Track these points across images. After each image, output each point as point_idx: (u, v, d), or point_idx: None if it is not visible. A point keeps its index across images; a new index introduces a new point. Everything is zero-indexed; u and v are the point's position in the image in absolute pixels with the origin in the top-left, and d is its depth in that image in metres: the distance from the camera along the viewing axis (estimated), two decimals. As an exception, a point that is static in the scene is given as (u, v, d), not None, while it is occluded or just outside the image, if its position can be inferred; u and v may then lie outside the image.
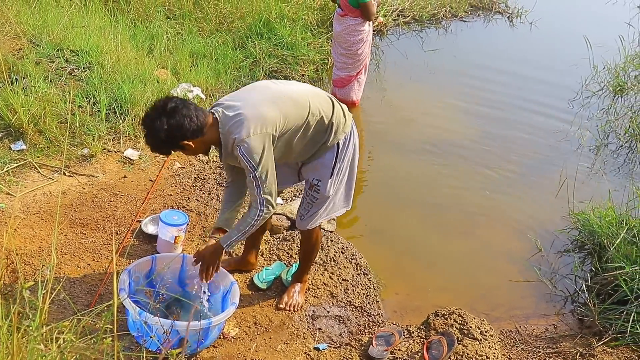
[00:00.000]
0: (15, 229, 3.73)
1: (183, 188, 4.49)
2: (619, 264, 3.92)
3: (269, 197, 3.04)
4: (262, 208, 3.04)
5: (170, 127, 2.84)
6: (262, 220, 3.09)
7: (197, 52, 6.25)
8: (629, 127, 5.99)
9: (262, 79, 6.15)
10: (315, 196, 3.33)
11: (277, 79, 6.32)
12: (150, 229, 3.94)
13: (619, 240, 4.06)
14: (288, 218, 4.29)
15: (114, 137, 4.82)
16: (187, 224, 3.82)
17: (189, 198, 4.37)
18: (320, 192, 3.31)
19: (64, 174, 4.37)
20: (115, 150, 4.72)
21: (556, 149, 5.78)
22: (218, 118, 2.95)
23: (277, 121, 2.96)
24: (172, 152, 3.07)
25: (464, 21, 9.03)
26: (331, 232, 4.30)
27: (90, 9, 6.35)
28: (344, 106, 3.34)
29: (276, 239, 4.17)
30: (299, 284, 3.70)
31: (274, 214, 4.23)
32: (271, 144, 2.96)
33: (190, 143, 2.92)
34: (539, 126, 6.17)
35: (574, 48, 7.79)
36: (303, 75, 6.54)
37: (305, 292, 3.73)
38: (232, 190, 3.33)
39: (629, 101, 6.60)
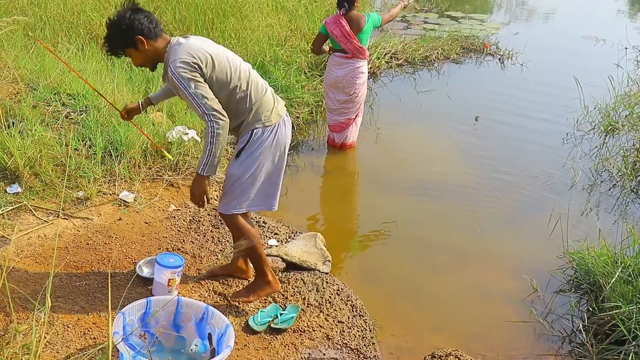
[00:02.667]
0: (9, 272, 3.71)
1: (178, 230, 4.49)
2: (616, 304, 3.91)
3: (214, 110, 3.23)
4: (212, 120, 3.23)
5: (133, 18, 3.21)
6: (219, 132, 3.24)
7: (193, 94, 6.30)
8: (621, 166, 6.04)
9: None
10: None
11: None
12: (145, 271, 3.92)
13: (614, 279, 4.06)
14: (283, 260, 4.28)
15: (109, 180, 4.83)
16: (182, 267, 3.81)
17: (184, 240, 4.37)
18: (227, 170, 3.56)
19: (59, 216, 4.37)
20: (110, 192, 4.73)
21: (549, 188, 5.81)
22: (171, 42, 3.31)
23: (207, 58, 3.25)
24: (123, 50, 3.31)
25: (456, 63, 9.18)
26: (326, 273, 4.29)
27: (87, 53, 6.43)
28: (280, 104, 3.57)
29: (271, 280, 4.15)
30: (257, 281, 3.84)
31: (270, 255, 4.26)
32: (199, 73, 3.22)
33: (144, 41, 3.24)
34: (531, 166, 6.21)
35: (564, 88, 7.92)
36: (297, 117, 6.61)
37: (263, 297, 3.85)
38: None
39: (620, 140, 6.67)
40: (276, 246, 4.48)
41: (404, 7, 6.49)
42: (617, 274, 4.08)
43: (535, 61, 9.23)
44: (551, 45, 10.47)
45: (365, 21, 5.80)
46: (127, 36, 3.24)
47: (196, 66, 3.21)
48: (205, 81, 3.25)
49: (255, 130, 3.43)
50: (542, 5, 13.58)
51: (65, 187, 4.58)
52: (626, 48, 9.85)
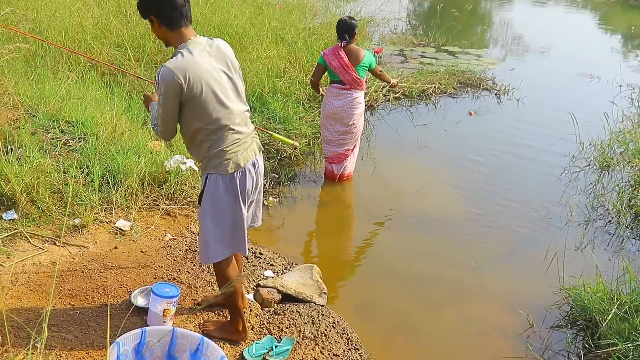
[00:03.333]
0: (4, 300, 3.68)
1: (174, 260, 4.47)
2: (612, 341, 3.90)
3: (162, 130, 3.31)
4: (156, 130, 3.37)
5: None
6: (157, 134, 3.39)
7: (191, 124, 6.33)
8: (617, 202, 6.07)
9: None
10: None
11: (269, 152, 6.41)
12: (140, 301, 3.89)
13: (610, 316, 4.06)
14: (279, 291, 4.27)
15: (106, 208, 4.82)
16: (178, 297, 3.78)
17: (179, 270, 4.35)
18: None
19: (55, 244, 4.35)
20: (107, 221, 4.72)
21: (546, 223, 5.82)
22: (185, 43, 3.29)
23: (195, 85, 3.19)
24: (147, 18, 3.31)
25: (453, 97, 9.26)
26: (322, 305, 4.27)
27: (87, 81, 6.47)
28: (248, 153, 3.40)
29: (267, 312, 4.13)
30: (230, 324, 3.76)
31: (266, 287, 4.25)
32: (178, 92, 3.18)
33: (156, 22, 3.28)
34: (527, 201, 6.24)
35: (560, 124, 8.00)
36: (295, 148, 6.63)
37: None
38: None
39: (616, 177, 6.71)
40: (272, 277, 4.47)
41: (392, 85, 6.64)
42: (614, 311, 4.08)
43: (531, 97, 9.31)
44: (547, 82, 10.58)
45: (364, 56, 5.89)
46: (145, 10, 3.31)
47: (177, 84, 3.17)
48: (180, 100, 3.23)
49: (209, 176, 3.36)
50: (538, 41, 13.75)
51: (62, 214, 4.56)
52: (620, 85, 9.98)
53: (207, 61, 3.28)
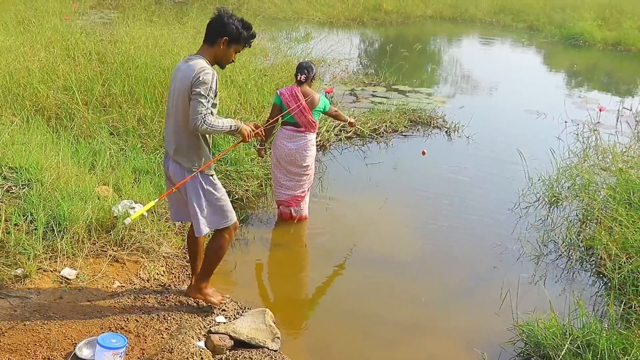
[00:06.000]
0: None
1: (122, 308, 4.32)
2: (566, 377, 3.91)
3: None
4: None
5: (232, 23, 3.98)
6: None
7: (140, 168, 6.24)
8: (566, 236, 6.16)
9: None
10: None
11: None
12: (85, 353, 3.74)
13: (564, 352, 4.07)
14: (231, 337, 4.16)
15: (50, 256, 4.67)
16: (126, 347, 3.66)
17: (128, 319, 4.20)
18: None
19: (-5, 296, 4.17)
20: (51, 269, 4.56)
21: (497, 260, 5.86)
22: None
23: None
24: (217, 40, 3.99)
25: (404, 135, 9.36)
26: (275, 351, 4.17)
27: (32, 126, 6.33)
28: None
29: (219, 360, 4.01)
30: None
31: (217, 333, 4.15)
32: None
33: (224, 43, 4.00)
34: (479, 238, 6.28)
35: (509, 160, 8.14)
36: (247, 190, 6.58)
37: None
38: None
39: (564, 211, 6.83)
40: (224, 323, 4.36)
41: (350, 124, 6.60)
42: (567, 346, 4.09)
43: (480, 134, 9.48)
44: (495, 119, 10.82)
45: (319, 99, 5.91)
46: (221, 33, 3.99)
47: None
48: None
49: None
50: (486, 79, 14.09)
51: (3, 264, 4.39)
52: (565, 122, 10.25)
53: None
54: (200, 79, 3.78)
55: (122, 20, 10.96)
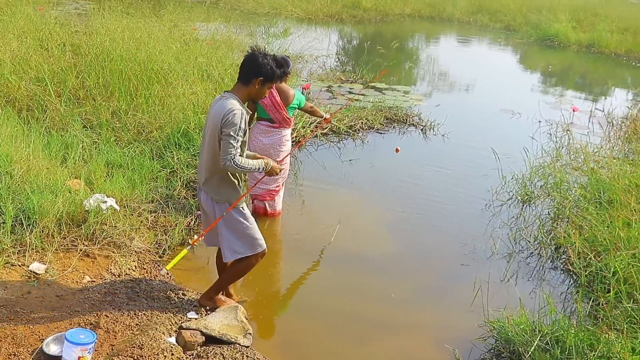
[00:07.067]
0: None
1: (92, 303, 4.27)
2: (535, 373, 3.95)
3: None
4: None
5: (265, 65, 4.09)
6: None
7: (113, 162, 6.18)
8: (538, 235, 6.23)
9: (179, 189, 6.13)
10: None
11: (194, 189, 6.32)
12: (52, 349, 3.69)
13: (533, 348, 4.11)
14: (203, 333, 4.14)
15: (19, 250, 4.60)
16: (95, 343, 3.61)
17: (97, 314, 4.15)
18: None
19: (-38, 290, 4.10)
20: (19, 264, 4.49)
21: (469, 257, 5.90)
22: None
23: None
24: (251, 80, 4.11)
25: (380, 133, 9.38)
26: (247, 347, 4.16)
27: (2, 117, 6.23)
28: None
29: (190, 355, 3.98)
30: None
31: (189, 329, 4.12)
32: None
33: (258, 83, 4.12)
34: (451, 236, 6.32)
35: (484, 159, 8.20)
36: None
37: None
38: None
39: (537, 210, 6.90)
40: (196, 319, 4.33)
41: (325, 119, 6.57)
42: (536, 342, 4.14)
43: (456, 132, 9.53)
44: (471, 117, 10.88)
45: (294, 96, 5.90)
46: (255, 74, 4.11)
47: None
48: None
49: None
50: (462, 78, 14.17)
51: (-30, 258, 4.32)
52: (539, 121, 10.36)
53: None
54: (229, 120, 3.93)
55: (98, 12, 10.82)
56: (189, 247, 4.39)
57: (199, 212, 6.05)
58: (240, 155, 4.05)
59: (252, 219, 4.38)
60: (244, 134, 4.05)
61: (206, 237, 4.48)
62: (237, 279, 4.61)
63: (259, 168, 4.20)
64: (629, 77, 16.16)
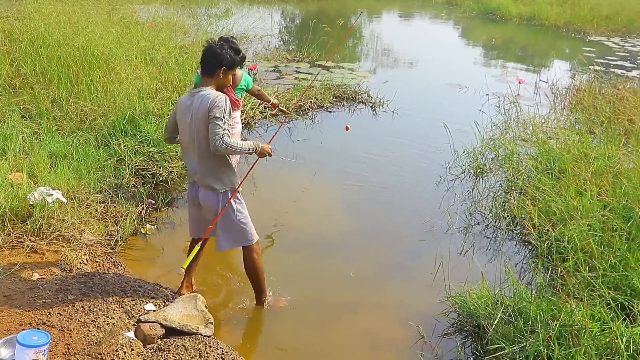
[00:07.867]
0: None
1: (43, 302, 4.08)
2: (499, 345, 3.96)
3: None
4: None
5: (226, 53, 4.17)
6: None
7: (57, 152, 5.92)
8: (492, 207, 6.27)
9: (127, 178, 5.93)
10: None
11: (144, 177, 6.13)
12: (3, 353, 3.50)
13: (496, 320, 4.13)
14: (162, 325, 4.00)
15: (-40, 250, 4.36)
16: (49, 344, 3.44)
17: (50, 313, 3.97)
18: None
19: None
20: (-38, 264, 4.25)
21: (427, 233, 5.90)
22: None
23: None
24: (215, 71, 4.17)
25: (330, 111, 9.30)
26: (209, 336, 4.04)
27: None
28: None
29: (150, 349, 3.84)
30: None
31: (147, 322, 3.99)
32: None
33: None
34: (408, 212, 6.32)
35: (435, 134, 8.22)
36: (171, 171, 6.36)
37: None
38: None
39: (489, 182, 6.95)
40: (154, 311, 4.19)
41: (272, 105, 6.41)
42: (499, 315, 4.15)
43: (405, 108, 9.54)
44: (419, 93, 10.92)
45: (242, 76, 5.75)
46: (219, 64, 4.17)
47: None
48: None
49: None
50: (406, 53, 14.20)
51: None
52: (487, 95, 10.45)
53: None
54: (216, 103, 4.00)
55: (30, -4, 10.35)
56: (200, 243, 4.38)
57: (150, 200, 5.89)
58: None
59: (247, 210, 4.42)
60: (230, 118, 4.09)
61: (195, 229, 4.51)
62: (262, 275, 4.58)
63: (249, 149, 4.19)
64: (567, 49, 16.51)
